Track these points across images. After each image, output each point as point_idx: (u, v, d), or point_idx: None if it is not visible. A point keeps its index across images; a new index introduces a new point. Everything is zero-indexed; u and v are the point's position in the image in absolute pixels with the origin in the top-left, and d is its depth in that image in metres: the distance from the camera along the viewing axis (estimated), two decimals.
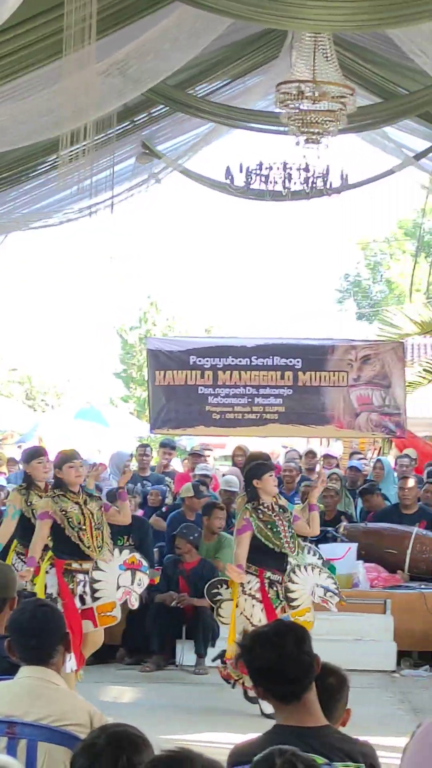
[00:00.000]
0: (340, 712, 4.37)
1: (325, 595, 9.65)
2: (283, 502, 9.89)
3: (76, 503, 9.34)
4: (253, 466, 9.92)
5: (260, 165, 12.15)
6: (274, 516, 9.59)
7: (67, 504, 9.31)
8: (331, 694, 4.29)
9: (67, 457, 9.51)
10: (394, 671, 11.39)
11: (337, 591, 9.75)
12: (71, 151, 9.97)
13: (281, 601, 9.48)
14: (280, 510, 9.65)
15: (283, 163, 12.10)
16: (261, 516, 9.56)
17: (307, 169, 11.95)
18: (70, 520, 9.25)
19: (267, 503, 9.62)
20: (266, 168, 12.14)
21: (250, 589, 9.52)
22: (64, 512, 9.25)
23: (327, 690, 4.21)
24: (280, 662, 3.80)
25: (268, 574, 9.50)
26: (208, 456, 15.80)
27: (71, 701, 4.28)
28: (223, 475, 14.74)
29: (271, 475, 9.71)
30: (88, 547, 9.26)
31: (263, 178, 12.16)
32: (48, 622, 4.35)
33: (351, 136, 13.96)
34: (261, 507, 9.60)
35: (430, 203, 16.49)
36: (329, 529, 12.53)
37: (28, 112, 10.26)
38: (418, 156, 14.58)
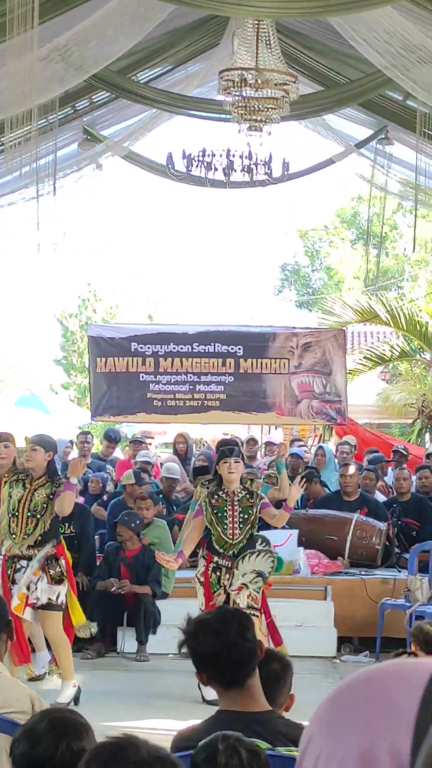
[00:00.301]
0: (284, 698, 4.40)
1: (253, 580, 9.67)
2: (256, 486, 9.90)
3: (26, 489, 9.30)
4: (218, 453, 9.99)
5: (203, 152, 12.15)
6: (229, 503, 9.59)
7: (16, 489, 9.29)
8: (275, 680, 4.31)
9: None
10: (334, 657, 11.46)
11: (267, 575, 9.77)
12: (12, 137, 9.91)
13: (221, 586, 9.48)
14: (246, 496, 9.64)
15: (227, 150, 12.10)
16: (213, 501, 9.57)
17: (249, 157, 11.96)
18: (11, 504, 9.23)
19: (229, 489, 9.62)
20: (208, 155, 12.14)
21: (197, 573, 9.56)
22: (9, 497, 9.24)
23: (271, 676, 4.23)
24: (223, 649, 3.81)
25: (216, 558, 9.50)
26: (150, 443, 15.78)
27: (14, 689, 4.27)
28: (161, 464, 14.70)
29: (226, 462, 9.67)
30: (13, 534, 9.21)
31: (205, 165, 12.16)
32: None
33: (294, 124, 14.00)
34: (218, 493, 9.60)
35: (370, 192, 16.53)
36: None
37: None
38: (360, 144, 14.65)
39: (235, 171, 12.14)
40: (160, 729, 7.78)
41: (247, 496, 9.66)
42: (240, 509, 9.58)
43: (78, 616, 9.43)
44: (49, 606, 9.22)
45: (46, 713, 3.47)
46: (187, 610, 4.26)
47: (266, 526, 10.79)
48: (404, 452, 15.30)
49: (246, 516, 9.62)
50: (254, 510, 9.62)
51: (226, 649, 3.81)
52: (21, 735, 3.35)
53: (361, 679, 1.23)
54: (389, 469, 14.90)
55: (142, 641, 11.38)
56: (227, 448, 10.07)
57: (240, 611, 4.23)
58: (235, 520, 9.58)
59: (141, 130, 14.40)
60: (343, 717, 1.19)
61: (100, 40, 10.51)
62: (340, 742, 1.17)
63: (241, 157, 12.00)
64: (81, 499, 12.95)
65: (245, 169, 12.11)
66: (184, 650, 3.96)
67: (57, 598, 9.24)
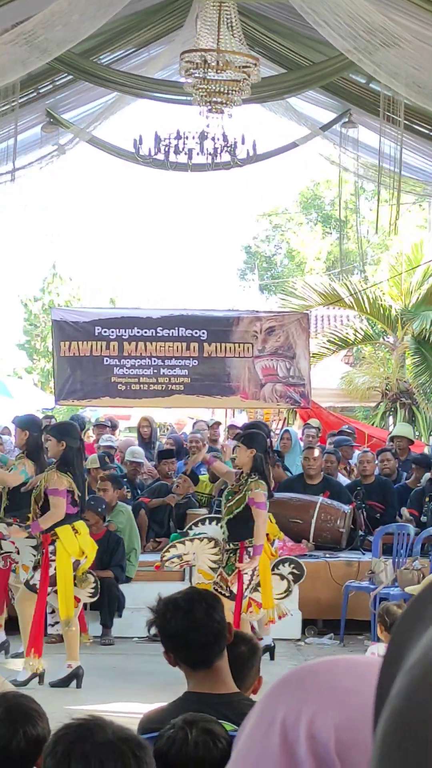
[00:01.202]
0: (252, 680, 4.41)
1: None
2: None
3: None
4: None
5: (170, 135, 12.12)
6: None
7: None
8: (243, 662, 4.33)
9: None
10: (299, 639, 11.51)
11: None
12: None
13: (219, 568, 9.67)
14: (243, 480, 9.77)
15: (198, 134, 12.05)
16: None
17: (214, 140, 11.95)
18: None
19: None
20: (174, 138, 12.11)
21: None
22: None
23: (239, 658, 4.24)
24: (189, 629, 3.83)
25: None
26: (116, 430, 15.81)
27: None
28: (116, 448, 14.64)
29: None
30: None
31: (170, 149, 12.13)
32: None
33: (258, 108, 13.98)
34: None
35: (333, 175, 16.59)
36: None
37: None
38: (324, 127, 14.66)
39: (200, 154, 12.12)
40: (126, 712, 7.80)
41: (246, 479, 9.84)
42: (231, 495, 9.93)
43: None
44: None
45: (0, 699, 3.46)
46: (152, 594, 4.27)
47: None
48: (349, 431, 15.60)
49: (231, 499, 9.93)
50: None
51: (194, 629, 3.82)
52: None
53: (308, 663, 1.30)
54: (355, 452, 14.96)
55: (106, 625, 11.38)
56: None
57: (209, 592, 4.25)
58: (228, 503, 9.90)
59: (105, 113, 14.34)
60: (285, 688, 1.25)
61: (66, 25, 10.46)
62: (274, 708, 1.22)
63: (206, 140, 11.97)
64: None
65: (210, 152, 12.08)
66: (152, 630, 3.97)
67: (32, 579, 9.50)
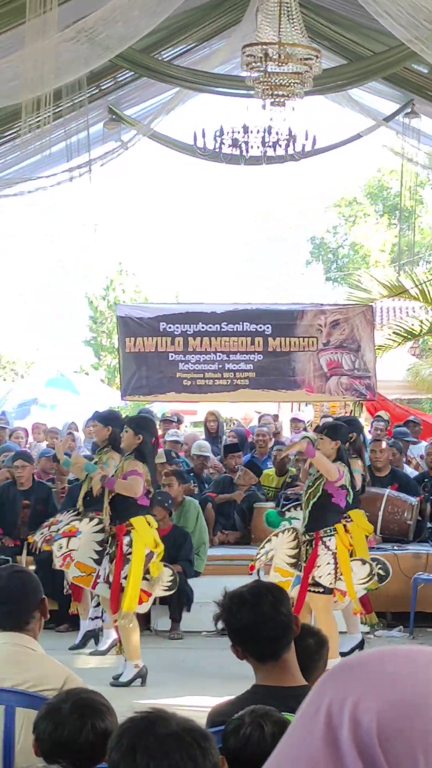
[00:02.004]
0: (319, 672, 4.40)
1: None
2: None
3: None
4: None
5: (232, 129, 12.09)
6: None
7: None
8: (310, 654, 4.32)
9: None
10: (368, 632, 11.46)
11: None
12: (38, 119, 9.90)
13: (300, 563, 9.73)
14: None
15: (263, 129, 12.00)
16: None
17: (274, 132, 11.90)
18: None
19: None
20: (236, 132, 12.08)
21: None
22: None
23: (306, 651, 4.24)
24: (256, 622, 3.83)
25: None
26: (181, 425, 15.84)
27: (48, 666, 4.29)
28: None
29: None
30: None
31: (233, 142, 12.10)
32: (24, 588, 4.35)
33: (320, 99, 13.93)
34: None
35: (398, 165, 16.48)
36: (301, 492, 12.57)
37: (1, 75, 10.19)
38: (387, 118, 14.58)
39: (261, 147, 12.08)
40: (195, 706, 7.81)
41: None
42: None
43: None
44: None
45: (70, 694, 3.50)
46: (221, 588, 4.26)
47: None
48: (416, 422, 15.46)
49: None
50: None
51: (260, 622, 3.82)
52: (45, 714, 3.39)
53: (360, 652, 1.31)
54: (422, 442, 14.87)
55: (175, 619, 11.42)
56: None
57: (275, 585, 4.24)
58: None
59: (165, 108, 14.34)
60: (334, 676, 1.27)
61: (126, 21, 10.49)
62: (321, 695, 1.24)
63: (267, 133, 11.92)
64: None
65: (270, 145, 12.04)
66: (220, 625, 3.98)
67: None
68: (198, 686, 9.17)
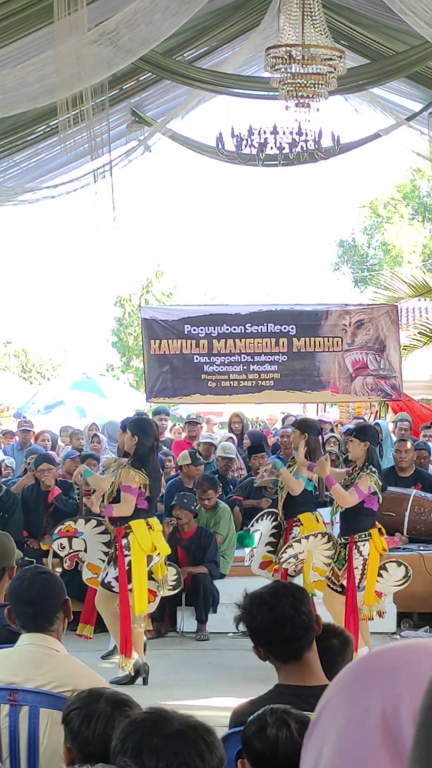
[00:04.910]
0: None
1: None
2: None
3: None
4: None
5: (250, 130, 12.07)
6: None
7: None
8: (334, 655, 4.32)
9: None
10: (394, 633, 11.44)
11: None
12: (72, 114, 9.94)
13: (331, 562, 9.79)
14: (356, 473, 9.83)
15: (291, 129, 11.98)
16: None
17: (300, 133, 11.88)
18: None
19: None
20: (259, 133, 12.06)
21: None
22: None
23: (331, 651, 4.24)
24: (276, 622, 3.82)
25: None
26: (215, 424, 15.82)
27: (72, 667, 4.30)
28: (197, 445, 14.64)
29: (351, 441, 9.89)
30: None
31: (254, 143, 12.09)
32: (47, 590, 4.35)
33: (342, 101, 13.91)
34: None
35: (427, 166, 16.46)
36: (327, 493, 12.55)
37: (19, 80, 10.22)
38: (411, 117, 14.53)
39: (287, 147, 12.06)
40: (222, 706, 7.80)
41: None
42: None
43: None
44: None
45: (100, 692, 3.50)
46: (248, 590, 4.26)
47: (322, 504, 10.83)
48: None
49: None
50: None
51: (280, 622, 3.82)
52: (79, 713, 3.38)
53: (383, 649, 1.26)
54: None
55: (201, 620, 11.43)
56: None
57: (295, 585, 4.24)
58: None
59: (185, 105, 14.26)
60: (376, 677, 1.22)
61: (148, 24, 10.51)
62: (366, 698, 1.19)
63: (291, 133, 11.90)
64: None
65: (294, 146, 12.02)
66: (241, 626, 3.98)
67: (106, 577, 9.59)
68: (225, 687, 9.17)
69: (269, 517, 10.48)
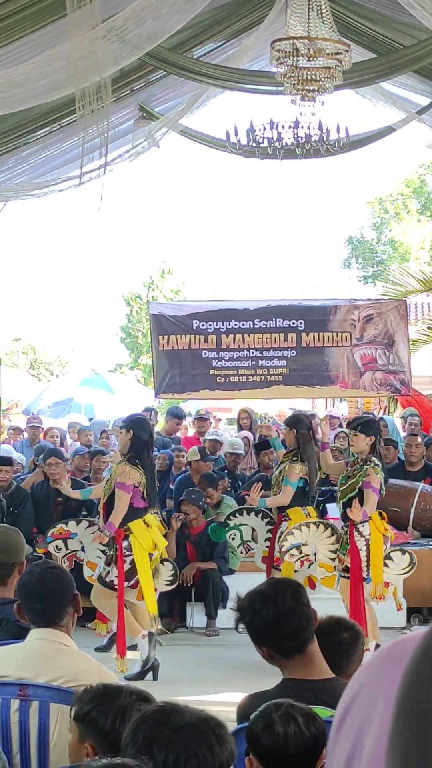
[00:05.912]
0: (355, 667, 4.39)
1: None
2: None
3: None
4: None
5: (265, 124, 12.05)
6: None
7: None
8: (345, 649, 4.32)
9: None
10: (404, 628, 11.43)
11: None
12: (66, 118, 9.93)
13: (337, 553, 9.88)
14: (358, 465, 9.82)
15: (295, 122, 11.96)
16: None
17: (308, 128, 11.86)
18: None
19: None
20: (270, 127, 12.04)
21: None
22: None
23: (341, 645, 4.24)
24: (280, 615, 3.82)
25: None
26: (220, 420, 15.81)
27: (82, 662, 4.30)
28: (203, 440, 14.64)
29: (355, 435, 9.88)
30: None
31: (265, 138, 12.06)
32: (57, 585, 4.35)
33: (351, 94, 13.88)
34: None
35: None
36: (334, 488, 12.54)
37: (27, 75, 10.22)
38: (421, 111, 14.49)
39: (294, 142, 12.03)
40: (230, 702, 7.79)
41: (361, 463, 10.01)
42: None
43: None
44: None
45: (118, 688, 3.49)
46: (256, 584, 4.26)
47: (330, 498, 10.84)
48: None
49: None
50: None
51: (283, 615, 3.82)
52: (105, 710, 3.34)
53: (408, 636, 1.24)
54: None
55: (211, 616, 11.43)
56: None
57: (290, 579, 4.27)
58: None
59: (194, 100, 14.25)
60: (401, 661, 1.20)
61: (155, 19, 10.49)
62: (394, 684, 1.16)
63: (300, 128, 11.87)
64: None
65: (306, 140, 11.99)
66: (241, 627, 3.96)
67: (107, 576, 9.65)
68: (234, 683, 9.15)
69: (257, 513, 10.60)
